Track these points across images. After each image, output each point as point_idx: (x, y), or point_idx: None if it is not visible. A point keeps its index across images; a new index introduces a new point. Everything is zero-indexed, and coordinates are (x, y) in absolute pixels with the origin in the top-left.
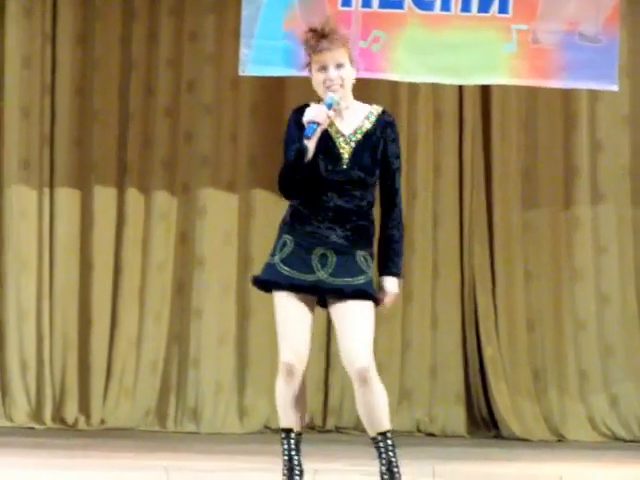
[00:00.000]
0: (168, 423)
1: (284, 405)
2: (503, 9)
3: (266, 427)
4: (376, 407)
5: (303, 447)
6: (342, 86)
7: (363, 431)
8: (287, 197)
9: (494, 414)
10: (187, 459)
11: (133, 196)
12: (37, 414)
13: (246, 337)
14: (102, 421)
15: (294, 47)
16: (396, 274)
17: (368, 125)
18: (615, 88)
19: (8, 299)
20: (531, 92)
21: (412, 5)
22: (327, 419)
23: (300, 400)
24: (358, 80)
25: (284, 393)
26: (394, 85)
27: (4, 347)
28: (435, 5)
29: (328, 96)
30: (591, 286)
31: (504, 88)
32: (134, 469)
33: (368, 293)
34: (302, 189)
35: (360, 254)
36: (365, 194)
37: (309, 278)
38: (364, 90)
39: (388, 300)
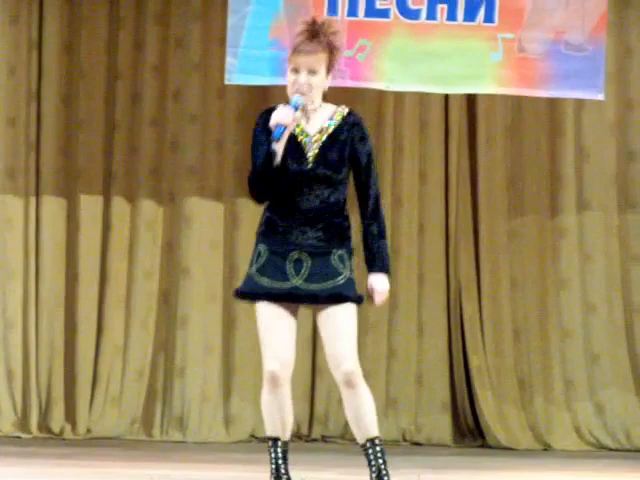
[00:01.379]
0: (154, 432)
1: (270, 414)
2: (489, 18)
3: (252, 436)
4: (364, 412)
5: (290, 456)
6: (310, 93)
7: (350, 440)
8: (258, 201)
9: (480, 423)
10: (173, 468)
11: (119, 204)
12: (23, 423)
13: (232, 346)
14: (88, 430)
15: (280, 55)
16: (382, 270)
17: (334, 125)
18: (601, 97)
19: None
20: (517, 101)
21: (398, 14)
22: (313, 428)
23: (286, 409)
24: (343, 89)
25: (269, 402)
26: (380, 94)
27: None
28: (421, 14)
29: (293, 98)
30: (577, 294)
31: (490, 97)
32: (120, 478)
33: (344, 296)
34: (272, 192)
35: (335, 254)
36: (334, 192)
37: (285, 286)
38: (350, 98)
39: (378, 298)
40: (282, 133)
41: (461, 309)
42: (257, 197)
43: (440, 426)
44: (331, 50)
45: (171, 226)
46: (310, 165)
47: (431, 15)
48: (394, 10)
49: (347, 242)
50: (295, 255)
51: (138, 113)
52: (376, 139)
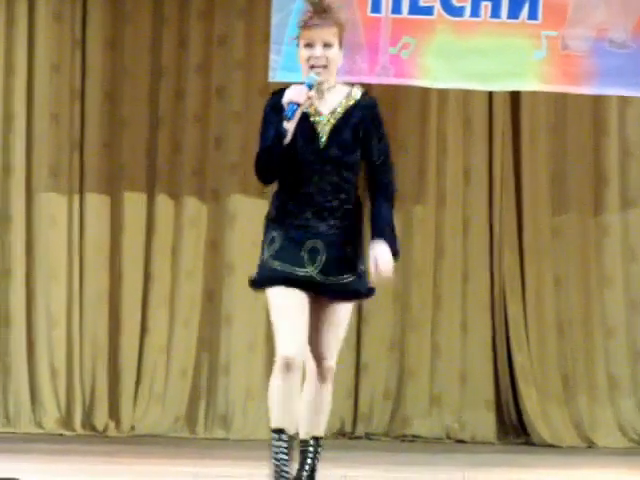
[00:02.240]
0: (198, 429)
1: (280, 402)
2: (533, 15)
3: (296, 433)
4: (323, 410)
5: (332, 454)
6: (326, 67)
7: (394, 437)
8: (265, 182)
9: (524, 420)
10: (217, 465)
11: (163, 203)
12: (67, 421)
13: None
14: (132, 427)
15: None
16: (391, 242)
17: (348, 105)
18: None
19: (38, 306)
20: (561, 98)
21: (442, 11)
22: (357, 425)
23: (295, 399)
24: (388, 86)
25: (281, 389)
26: (424, 91)
27: (34, 354)
28: (465, 11)
29: (309, 76)
30: (620, 292)
31: (534, 94)
32: (164, 475)
33: (358, 293)
34: (280, 172)
35: (350, 244)
36: (347, 175)
37: (301, 272)
38: (394, 96)
39: (382, 268)
40: (295, 111)
41: (505, 307)
42: (264, 177)
43: (484, 423)
44: (340, 25)
45: (215, 224)
46: (323, 146)
47: (475, 12)
48: (438, 7)
49: (361, 230)
50: (310, 244)
51: (181, 111)
52: (420, 137)
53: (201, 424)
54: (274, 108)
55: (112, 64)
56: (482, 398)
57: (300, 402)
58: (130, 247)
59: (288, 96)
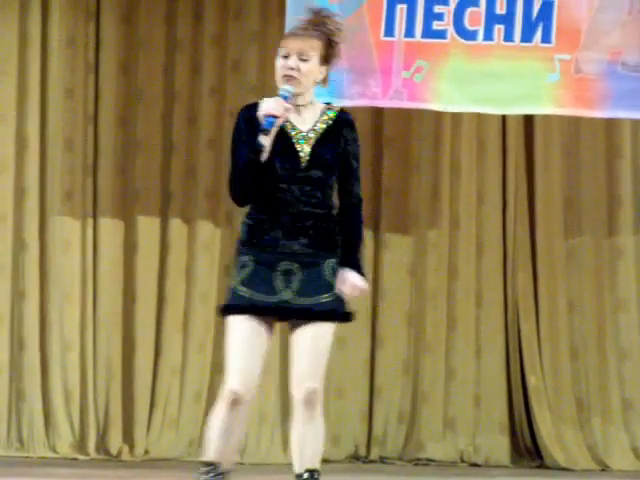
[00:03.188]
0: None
1: (219, 437)
2: (546, 39)
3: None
4: (314, 440)
5: (347, 477)
6: (299, 79)
7: (409, 461)
8: (241, 203)
9: (538, 443)
10: None
11: (177, 226)
12: (81, 445)
13: (290, 367)
14: (146, 451)
15: (338, 76)
16: (359, 269)
17: (327, 122)
18: None
19: (52, 329)
20: (574, 121)
21: (455, 35)
22: (371, 449)
23: (237, 435)
24: (401, 110)
25: (223, 422)
26: (437, 114)
27: (48, 377)
28: (478, 34)
29: (282, 88)
30: (635, 315)
31: (547, 117)
32: None
33: (337, 313)
34: (256, 193)
35: (328, 264)
36: (325, 196)
37: (272, 300)
38: (407, 119)
39: (355, 292)
40: (272, 124)
41: (519, 329)
42: (240, 197)
43: (498, 447)
44: (328, 41)
45: (229, 248)
46: (304, 165)
47: (488, 36)
48: (451, 31)
49: (337, 250)
50: (285, 266)
51: (195, 135)
52: (433, 160)
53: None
54: (247, 122)
55: (125, 88)
56: (496, 421)
57: (294, 434)
58: (144, 271)
59: (264, 108)
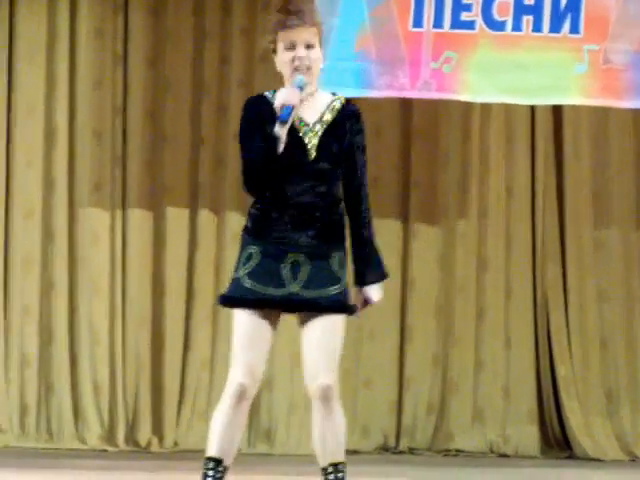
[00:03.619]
0: (241, 444)
1: (223, 431)
2: (574, 29)
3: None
4: (334, 434)
5: (376, 468)
6: (309, 69)
7: (438, 452)
8: (258, 193)
9: (567, 434)
10: None
11: (205, 218)
12: (110, 436)
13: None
14: (175, 443)
15: (366, 67)
16: (379, 279)
17: (333, 114)
18: None
19: (81, 321)
20: (603, 112)
21: (483, 25)
22: (400, 440)
23: (240, 429)
24: (429, 102)
25: (229, 417)
26: (466, 105)
27: (77, 370)
28: (507, 25)
29: (296, 78)
30: None
31: (576, 108)
32: None
33: (345, 306)
34: (272, 182)
35: (335, 256)
36: (331, 188)
37: (279, 292)
38: (436, 110)
39: (367, 308)
40: (289, 114)
41: (548, 320)
42: (257, 187)
43: (527, 437)
44: (319, 25)
45: None
46: (311, 158)
47: (517, 26)
48: (480, 22)
49: (344, 242)
50: (292, 258)
51: (224, 126)
52: (462, 151)
53: (244, 439)
54: (256, 114)
55: (154, 80)
56: (525, 412)
57: (314, 429)
58: (173, 262)
59: (281, 98)
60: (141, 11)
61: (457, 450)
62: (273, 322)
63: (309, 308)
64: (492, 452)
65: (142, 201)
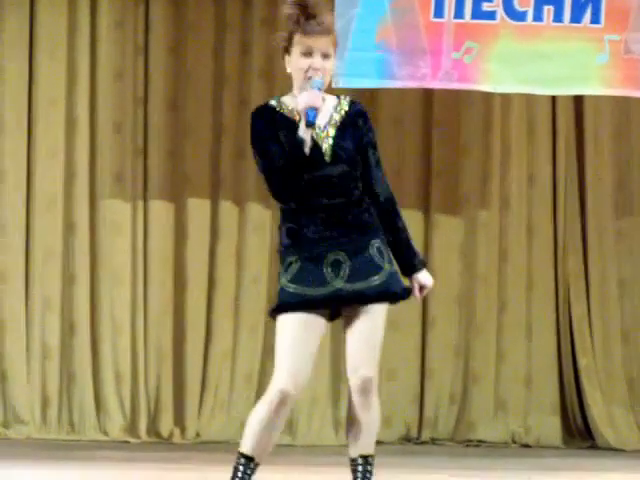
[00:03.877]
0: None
1: (260, 433)
2: (595, 19)
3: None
4: (369, 427)
5: (398, 459)
6: (324, 78)
7: (460, 442)
8: (286, 201)
9: (589, 424)
10: (282, 472)
11: (227, 208)
12: (132, 428)
13: (342, 349)
14: (197, 434)
15: (387, 58)
16: (424, 265)
17: (342, 115)
18: None
19: (102, 313)
20: (624, 102)
21: (504, 16)
22: (422, 430)
23: (277, 433)
24: (451, 92)
25: (268, 421)
26: (487, 96)
27: (99, 361)
28: (527, 15)
29: (315, 80)
30: None
31: (597, 98)
32: None
33: (391, 292)
34: (298, 186)
35: (373, 245)
36: (352, 185)
37: (323, 291)
38: (457, 100)
39: (425, 292)
40: (316, 116)
41: (570, 310)
42: (285, 196)
43: (549, 427)
44: (334, 33)
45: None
46: (328, 160)
47: (537, 17)
48: (500, 12)
49: (379, 230)
50: (331, 257)
51: (245, 117)
52: (483, 141)
53: None
54: (267, 123)
55: (175, 71)
56: (547, 402)
57: (349, 420)
58: (194, 253)
59: (304, 102)
60: (162, 2)
61: (479, 441)
62: (320, 326)
63: (355, 301)
64: (514, 442)
65: (163, 192)
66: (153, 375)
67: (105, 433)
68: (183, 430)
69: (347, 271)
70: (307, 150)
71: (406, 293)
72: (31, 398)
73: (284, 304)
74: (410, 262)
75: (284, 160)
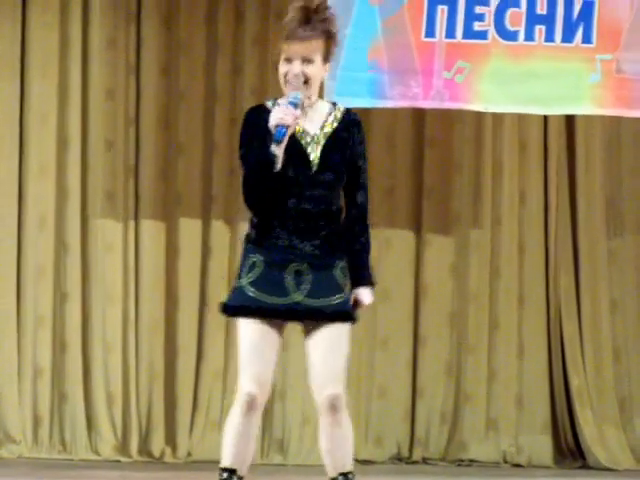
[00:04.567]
0: (255, 455)
1: (236, 441)
2: (587, 39)
3: (354, 459)
4: (342, 444)
5: (390, 478)
6: (306, 82)
7: (451, 462)
8: (256, 212)
9: (581, 443)
10: None
11: (219, 227)
12: (123, 447)
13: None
14: (189, 453)
15: (379, 78)
16: (371, 284)
17: (335, 124)
18: None
19: (94, 331)
20: (615, 121)
21: (496, 35)
22: (414, 450)
23: (253, 438)
24: (442, 111)
25: (240, 427)
26: (479, 114)
27: (90, 380)
28: (519, 35)
29: (291, 95)
30: None
31: (589, 117)
32: None
33: (349, 314)
34: (271, 200)
35: (338, 266)
36: (333, 197)
37: (283, 301)
38: (449, 119)
39: (358, 309)
40: (284, 135)
41: (561, 329)
42: (255, 206)
43: (541, 447)
44: (328, 36)
45: None
46: (315, 169)
47: (529, 36)
48: (492, 31)
49: (345, 252)
50: (295, 267)
51: (237, 136)
52: (475, 160)
53: (258, 450)
54: (254, 125)
55: (166, 89)
56: (539, 422)
57: (322, 439)
58: (186, 272)
59: (274, 119)
60: (153, 21)
61: (470, 460)
62: (278, 330)
63: (313, 317)
64: (505, 462)
65: (155, 211)
66: (144, 394)
67: (97, 452)
68: (175, 449)
69: (308, 285)
70: (278, 165)
71: (355, 319)
72: (22, 417)
73: (243, 308)
74: (361, 274)
75: (255, 169)
